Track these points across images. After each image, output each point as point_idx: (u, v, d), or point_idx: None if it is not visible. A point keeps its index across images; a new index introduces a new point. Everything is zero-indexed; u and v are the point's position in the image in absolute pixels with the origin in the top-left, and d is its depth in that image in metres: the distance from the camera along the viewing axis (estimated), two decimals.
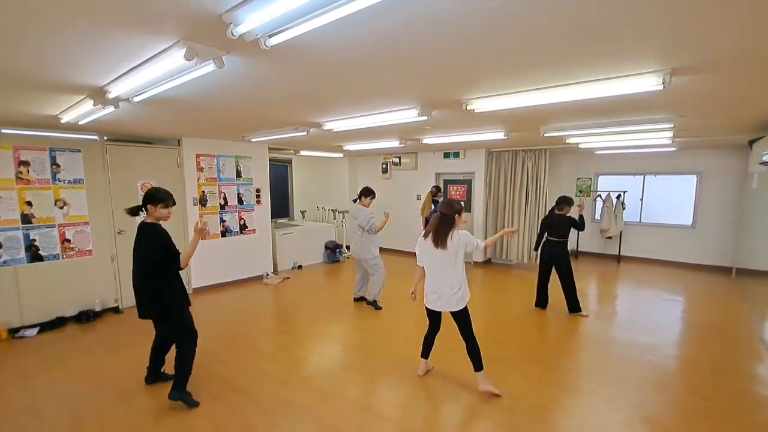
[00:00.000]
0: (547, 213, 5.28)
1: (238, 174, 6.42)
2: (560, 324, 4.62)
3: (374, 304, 5.19)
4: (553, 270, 4.97)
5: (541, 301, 5.12)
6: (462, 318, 3.05)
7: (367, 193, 5.12)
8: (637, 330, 4.44)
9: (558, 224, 4.95)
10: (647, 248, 8.03)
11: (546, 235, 5.08)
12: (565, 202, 4.92)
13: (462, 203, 2.89)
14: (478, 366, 3.08)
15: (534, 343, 4.11)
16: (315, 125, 4.59)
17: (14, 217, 4.38)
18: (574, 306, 4.90)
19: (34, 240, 4.52)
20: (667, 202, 7.84)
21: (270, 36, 1.77)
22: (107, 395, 3.15)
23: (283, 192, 8.51)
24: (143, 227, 2.87)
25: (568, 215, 4.95)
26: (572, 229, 4.96)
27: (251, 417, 2.83)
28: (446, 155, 8.00)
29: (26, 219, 4.46)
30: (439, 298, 3.06)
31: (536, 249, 5.25)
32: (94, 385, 3.31)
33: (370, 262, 5.09)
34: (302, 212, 8.73)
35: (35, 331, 4.43)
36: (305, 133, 4.78)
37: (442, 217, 3.00)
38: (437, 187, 7.51)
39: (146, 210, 2.86)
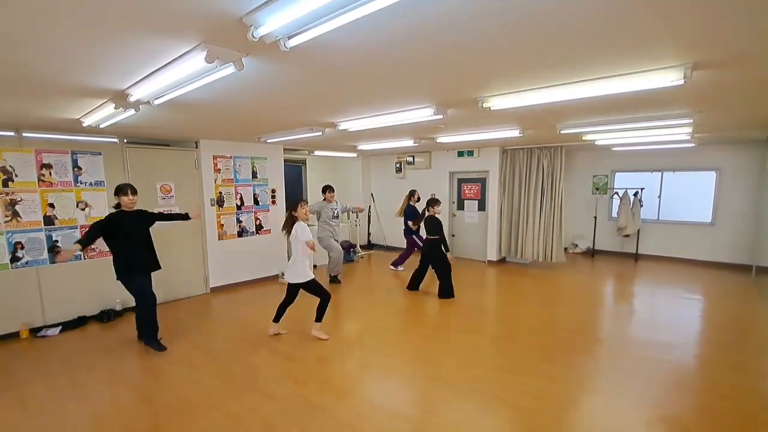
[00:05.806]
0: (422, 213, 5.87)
1: (254, 175, 6.49)
2: (575, 324, 4.57)
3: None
4: None
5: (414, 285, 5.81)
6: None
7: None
8: (656, 329, 4.36)
9: (429, 224, 5.46)
10: (665, 246, 7.88)
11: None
12: (432, 203, 5.53)
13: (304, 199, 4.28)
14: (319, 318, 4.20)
15: (550, 342, 4.07)
16: (330, 125, 4.61)
17: (37, 219, 4.50)
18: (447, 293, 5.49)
19: (57, 241, 4.63)
20: (686, 199, 7.67)
21: (290, 37, 1.79)
22: (128, 393, 3.21)
23: (297, 192, 8.56)
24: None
25: (436, 216, 5.50)
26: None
27: (270, 416, 2.86)
28: (460, 154, 7.95)
29: (49, 221, 4.58)
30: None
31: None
32: (115, 383, 3.38)
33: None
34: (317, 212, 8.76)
35: (57, 330, 4.54)
36: (320, 133, 4.81)
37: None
38: (413, 191, 7.03)
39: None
